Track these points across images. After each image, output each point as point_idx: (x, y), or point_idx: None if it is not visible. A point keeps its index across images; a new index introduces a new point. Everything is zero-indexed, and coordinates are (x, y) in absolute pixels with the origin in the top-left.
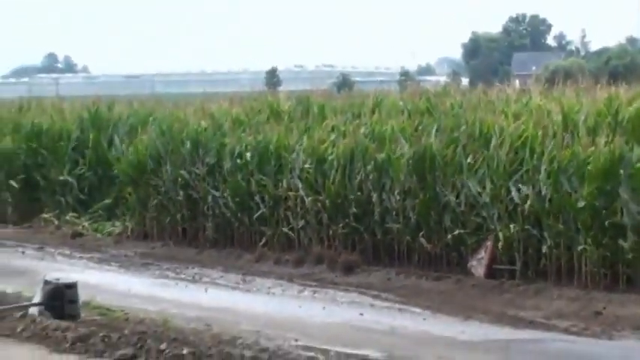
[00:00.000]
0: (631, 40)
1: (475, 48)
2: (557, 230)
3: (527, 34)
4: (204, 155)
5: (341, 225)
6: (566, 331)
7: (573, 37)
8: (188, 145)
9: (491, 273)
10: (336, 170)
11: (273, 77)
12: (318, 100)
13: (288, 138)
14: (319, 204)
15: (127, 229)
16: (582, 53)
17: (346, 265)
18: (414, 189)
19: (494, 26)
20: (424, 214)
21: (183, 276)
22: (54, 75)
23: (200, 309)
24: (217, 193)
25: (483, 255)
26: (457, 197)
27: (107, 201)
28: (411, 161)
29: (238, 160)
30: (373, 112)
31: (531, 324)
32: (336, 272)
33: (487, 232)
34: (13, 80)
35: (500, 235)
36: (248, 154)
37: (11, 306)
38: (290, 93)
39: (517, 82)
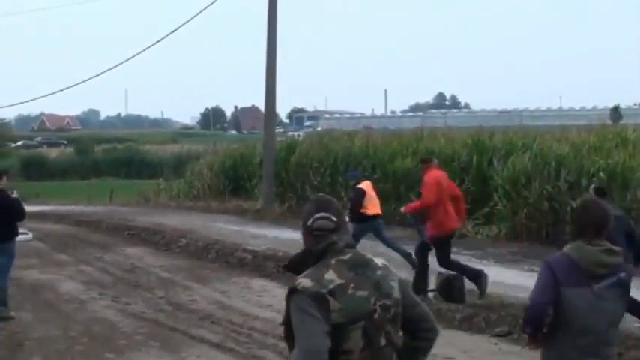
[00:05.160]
0: None
1: None
2: None
3: None
4: (565, 174)
5: None
6: None
7: None
8: (553, 165)
9: None
10: None
11: (615, 113)
12: None
13: (632, 161)
14: None
15: (500, 232)
16: None
17: None
18: None
19: None
20: None
21: None
22: (442, 110)
23: None
24: (575, 204)
25: None
26: None
27: (486, 209)
28: None
29: (593, 179)
30: None
31: None
32: None
33: None
34: (410, 114)
35: None
36: (601, 174)
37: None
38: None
39: None
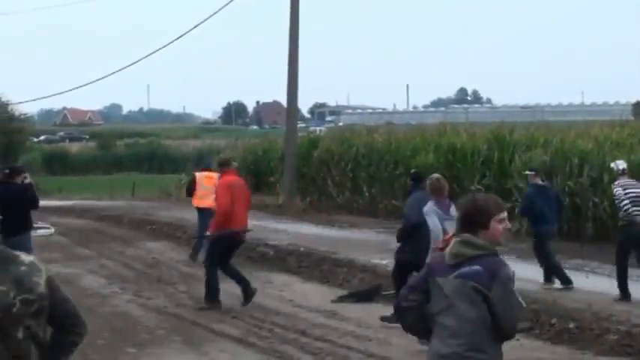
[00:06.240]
0: None
1: None
2: None
3: None
4: (588, 169)
5: None
6: None
7: None
8: (576, 161)
9: None
10: None
11: (638, 108)
12: None
13: None
14: None
15: (522, 228)
16: None
17: None
18: None
19: None
20: None
21: (566, 265)
22: (464, 105)
23: (579, 293)
24: (597, 200)
25: None
26: None
27: (507, 205)
28: None
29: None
30: None
31: None
32: None
33: None
34: (432, 109)
35: None
36: None
37: None
38: None
39: None
